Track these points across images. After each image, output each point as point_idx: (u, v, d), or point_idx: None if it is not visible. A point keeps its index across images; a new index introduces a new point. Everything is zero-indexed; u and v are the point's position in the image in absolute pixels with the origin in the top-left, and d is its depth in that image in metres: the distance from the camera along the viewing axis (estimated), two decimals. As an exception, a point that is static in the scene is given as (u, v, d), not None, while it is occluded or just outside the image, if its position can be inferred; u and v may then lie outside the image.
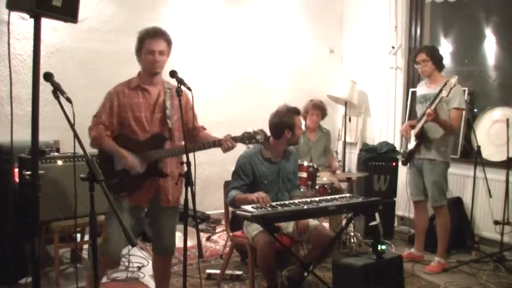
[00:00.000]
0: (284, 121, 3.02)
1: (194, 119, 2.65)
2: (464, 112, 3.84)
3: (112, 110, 2.46)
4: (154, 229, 2.65)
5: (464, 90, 4.05)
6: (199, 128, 2.68)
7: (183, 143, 2.54)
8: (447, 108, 3.49)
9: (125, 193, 2.46)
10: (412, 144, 3.68)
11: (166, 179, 2.52)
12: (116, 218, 2.17)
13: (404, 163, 3.85)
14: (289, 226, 3.06)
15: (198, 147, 2.47)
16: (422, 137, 3.58)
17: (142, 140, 2.47)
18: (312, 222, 3.02)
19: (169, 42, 2.50)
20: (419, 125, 3.55)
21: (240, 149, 3.19)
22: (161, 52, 2.44)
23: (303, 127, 4.42)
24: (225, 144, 2.47)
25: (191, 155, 2.24)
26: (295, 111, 3.10)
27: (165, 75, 2.53)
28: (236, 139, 2.51)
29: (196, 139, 2.63)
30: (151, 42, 2.42)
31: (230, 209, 3.23)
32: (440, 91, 3.41)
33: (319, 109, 4.40)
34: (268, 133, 3.01)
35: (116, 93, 2.48)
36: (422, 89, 3.75)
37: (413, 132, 3.65)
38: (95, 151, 2.53)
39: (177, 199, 2.61)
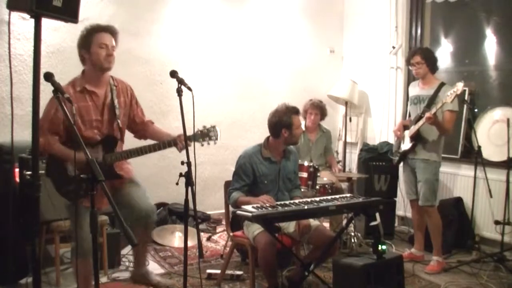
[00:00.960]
0: (282, 120, 3.01)
1: (142, 114, 2.60)
2: (459, 114, 3.82)
3: (56, 116, 2.33)
4: (124, 203, 2.54)
5: (465, 90, 4.04)
6: (148, 123, 2.62)
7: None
8: (441, 110, 3.50)
9: (83, 197, 2.35)
10: (406, 145, 3.69)
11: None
12: (84, 224, 2.12)
13: (397, 163, 3.88)
14: (290, 226, 3.06)
15: (154, 148, 2.41)
16: (417, 138, 3.60)
17: (94, 143, 2.38)
18: (313, 222, 3.02)
19: (116, 39, 2.44)
20: (415, 127, 3.55)
21: (240, 149, 3.21)
22: (113, 47, 2.38)
23: (302, 127, 4.44)
24: (180, 144, 2.42)
25: (191, 155, 2.23)
26: (294, 111, 3.09)
27: (166, 75, 2.49)
28: (190, 138, 2.45)
29: (145, 134, 2.58)
30: (102, 36, 2.35)
31: (231, 209, 3.23)
32: (436, 94, 3.48)
33: (318, 108, 4.40)
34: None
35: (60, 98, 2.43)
36: (415, 90, 3.76)
37: (407, 133, 3.67)
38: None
39: (127, 171, 2.54)
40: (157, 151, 2.43)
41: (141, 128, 2.61)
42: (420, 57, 3.59)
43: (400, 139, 3.81)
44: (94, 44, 2.34)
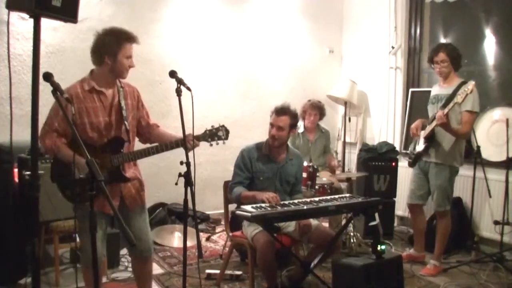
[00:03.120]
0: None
1: (148, 116, 2.59)
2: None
3: (66, 115, 2.29)
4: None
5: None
6: (153, 126, 2.60)
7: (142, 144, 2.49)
8: (459, 110, 3.35)
9: (88, 202, 2.35)
10: (420, 146, 3.57)
11: (129, 184, 2.45)
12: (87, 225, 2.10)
13: (411, 165, 3.72)
14: (289, 226, 3.05)
15: (161, 148, 2.39)
16: (431, 139, 3.47)
17: (100, 145, 2.35)
18: (313, 222, 3.02)
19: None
20: (429, 127, 3.44)
21: (240, 149, 3.20)
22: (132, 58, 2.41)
23: (302, 127, 4.45)
24: (188, 144, 2.37)
25: (190, 155, 2.23)
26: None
27: (165, 75, 2.48)
28: (198, 138, 2.44)
29: (150, 138, 2.56)
30: (130, 47, 2.37)
31: (230, 209, 3.23)
32: (454, 94, 3.27)
33: (317, 109, 4.40)
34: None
35: (69, 96, 2.34)
36: (435, 89, 3.61)
37: (422, 134, 3.54)
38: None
39: (142, 197, 2.53)
40: (164, 151, 2.40)
41: (146, 131, 2.58)
42: (445, 54, 3.36)
43: (415, 136, 3.63)
44: (121, 54, 2.33)
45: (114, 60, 2.34)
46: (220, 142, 2.52)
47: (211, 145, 2.51)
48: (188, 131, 2.32)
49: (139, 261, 2.59)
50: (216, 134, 2.47)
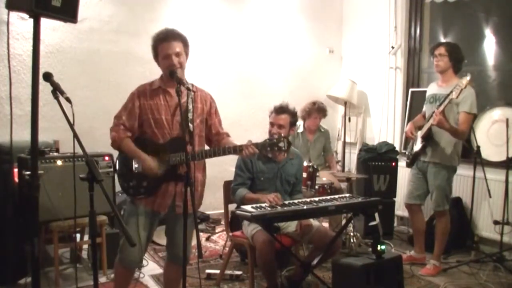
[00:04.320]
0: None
1: (219, 125, 2.58)
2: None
3: (133, 111, 2.39)
4: (169, 236, 2.56)
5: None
6: (223, 134, 2.58)
7: (206, 147, 2.49)
8: (456, 110, 3.37)
9: (142, 196, 2.39)
10: (418, 146, 3.58)
11: (183, 185, 2.39)
12: (132, 225, 2.23)
13: (408, 165, 3.73)
14: (290, 226, 3.05)
15: (218, 152, 2.38)
16: (428, 139, 3.47)
17: (162, 143, 2.39)
18: (314, 222, 3.02)
19: (184, 42, 2.46)
20: (426, 127, 3.45)
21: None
22: (177, 54, 2.38)
23: (301, 128, 4.45)
24: (247, 150, 2.35)
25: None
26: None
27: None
28: (258, 146, 2.39)
29: (219, 146, 2.52)
30: (164, 46, 2.37)
31: (230, 209, 3.23)
32: (451, 92, 3.27)
33: (321, 112, 4.45)
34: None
35: (137, 93, 2.42)
36: (432, 88, 3.62)
37: (419, 133, 3.55)
38: (94, 151, 2.51)
39: (196, 206, 2.43)
40: (221, 155, 2.39)
41: (215, 139, 2.56)
42: (444, 49, 3.41)
43: (412, 139, 3.65)
44: (160, 55, 2.40)
45: (159, 63, 2.43)
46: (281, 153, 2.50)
47: (269, 156, 2.52)
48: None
49: (174, 267, 2.56)
50: (276, 145, 2.39)
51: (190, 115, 2.41)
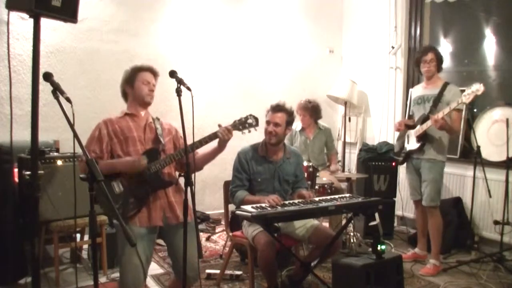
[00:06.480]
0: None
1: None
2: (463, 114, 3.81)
3: (101, 138, 2.40)
4: (170, 252, 2.50)
5: (464, 90, 4.02)
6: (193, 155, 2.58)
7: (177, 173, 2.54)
8: (447, 108, 3.42)
9: (133, 212, 2.34)
10: (412, 145, 3.65)
11: (171, 195, 2.44)
12: (131, 255, 2.18)
13: (401, 163, 3.85)
14: (290, 226, 3.05)
15: (196, 146, 2.41)
16: (425, 138, 3.55)
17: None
18: (314, 222, 3.02)
19: (157, 80, 2.59)
20: (423, 127, 3.50)
21: (239, 149, 3.20)
22: (154, 85, 2.54)
23: (299, 126, 4.44)
24: (222, 134, 2.43)
25: (190, 156, 2.23)
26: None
27: (165, 75, 2.48)
28: (229, 127, 2.49)
29: (195, 165, 2.50)
30: (145, 74, 2.51)
31: (230, 209, 3.23)
32: (441, 93, 3.46)
33: (304, 109, 4.35)
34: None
35: (104, 123, 2.45)
36: (418, 90, 3.75)
37: (414, 133, 3.62)
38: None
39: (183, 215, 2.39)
40: (199, 147, 2.45)
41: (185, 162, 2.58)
42: (433, 54, 3.57)
43: (400, 133, 3.75)
44: (137, 81, 2.50)
45: (133, 87, 2.50)
46: (253, 129, 2.58)
47: (243, 133, 2.57)
48: (188, 131, 2.32)
49: (179, 284, 2.38)
50: (246, 122, 2.54)
51: (159, 131, 2.50)
